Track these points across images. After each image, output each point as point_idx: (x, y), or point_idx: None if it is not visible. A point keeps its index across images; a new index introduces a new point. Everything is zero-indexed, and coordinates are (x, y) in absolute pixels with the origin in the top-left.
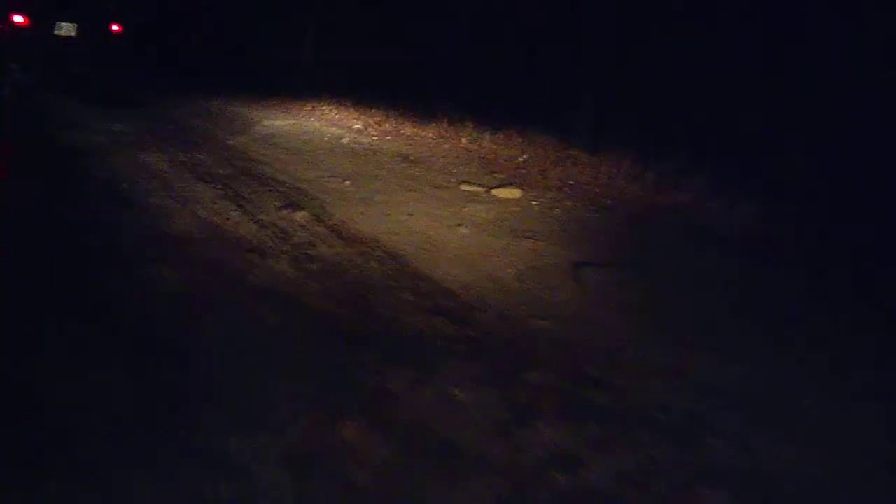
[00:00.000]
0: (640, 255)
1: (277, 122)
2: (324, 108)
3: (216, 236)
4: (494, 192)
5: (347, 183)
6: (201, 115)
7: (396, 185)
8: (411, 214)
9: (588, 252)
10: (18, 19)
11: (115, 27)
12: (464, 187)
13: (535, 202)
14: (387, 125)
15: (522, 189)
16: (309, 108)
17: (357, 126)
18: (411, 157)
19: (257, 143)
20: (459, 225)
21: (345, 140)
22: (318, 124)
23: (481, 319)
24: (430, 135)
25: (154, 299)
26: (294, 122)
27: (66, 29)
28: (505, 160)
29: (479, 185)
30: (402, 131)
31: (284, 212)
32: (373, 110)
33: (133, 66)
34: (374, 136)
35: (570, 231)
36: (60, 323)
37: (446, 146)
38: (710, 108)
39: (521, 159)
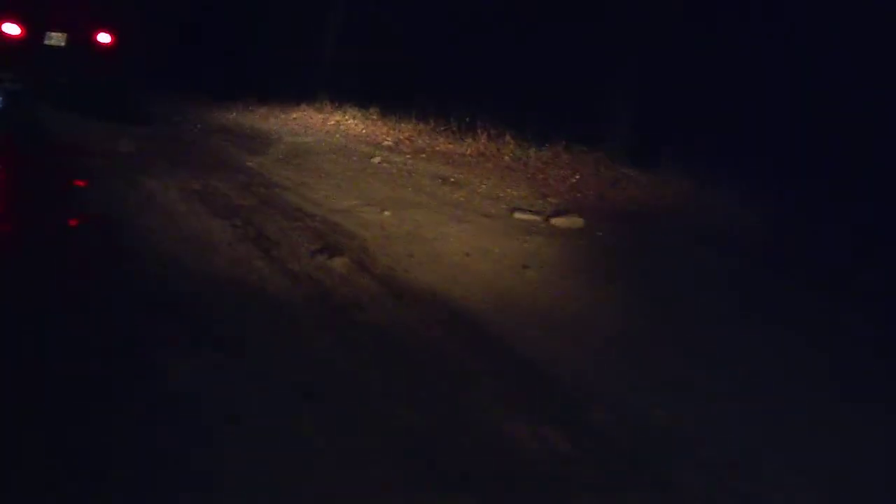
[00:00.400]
0: (757, 308)
1: (300, 139)
2: (349, 121)
3: (238, 298)
4: (553, 221)
5: (387, 213)
6: (215, 132)
7: (442, 215)
8: (468, 255)
9: (685, 304)
10: (11, 30)
11: (102, 36)
12: (518, 216)
13: (601, 233)
14: (419, 141)
15: (584, 217)
16: (333, 122)
17: (387, 143)
18: (452, 179)
19: (279, 165)
20: (525, 267)
21: (376, 160)
22: (344, 141)
23: (596, 422)
24: (469, 152)
25: (157, 410)
26: (318, 138)
27: (56, 39)
28: (556, 181)
29: (535, 213)
30: (436, 148)
31: (320, 258)
32: (402, 124)
33: (136, 76)
34: (406, 154)
35: (652, 271)
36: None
37: (488, 165)
38: (773, 127)
39: (573, 180)
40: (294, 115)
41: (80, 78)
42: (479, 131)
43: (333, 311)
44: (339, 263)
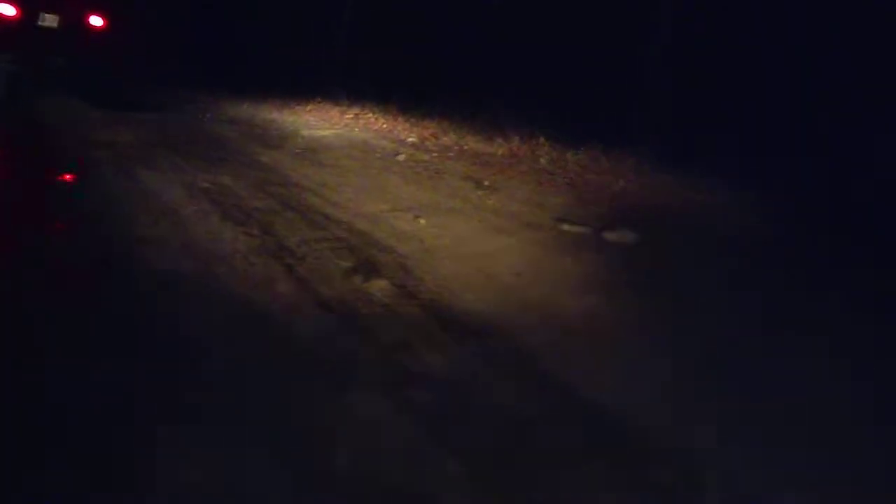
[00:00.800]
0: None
1: (318, 133)
2: (368, 115)
3: (259, 337)
4: (605, 235)
5: (422, 221)
6: (226, 123)
7: (481, 224)
8: (519, 275)
9: (784, 330)
10: (6, 10)
11: (94, 19)
12: (565, 227)
13: (658, 249)
14: (445, 139)
15: (636, 230)
16: (351, 115)
17: (411, 139)
18: (486, 183)
19: (297, 161)
20: (587, 292)
21: (401, 157)
22: (365, 136)
23: None
24: (500, 152)
25: None
26: (337, 132)
27: (49, 20)
28: (598, 188)
29: (583, 225)
30: (464, 147)
31: (355, 280)
32: (425, 120)
33: (144, 62)
34: (433, 152)
35: (728, 295)
36: None
37: (522, 168)
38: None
39: (616, 188)
40: (309, 108)
41: (75, 60)
42: (508, 131)
43: (377, 349)
44: (378, 287)
